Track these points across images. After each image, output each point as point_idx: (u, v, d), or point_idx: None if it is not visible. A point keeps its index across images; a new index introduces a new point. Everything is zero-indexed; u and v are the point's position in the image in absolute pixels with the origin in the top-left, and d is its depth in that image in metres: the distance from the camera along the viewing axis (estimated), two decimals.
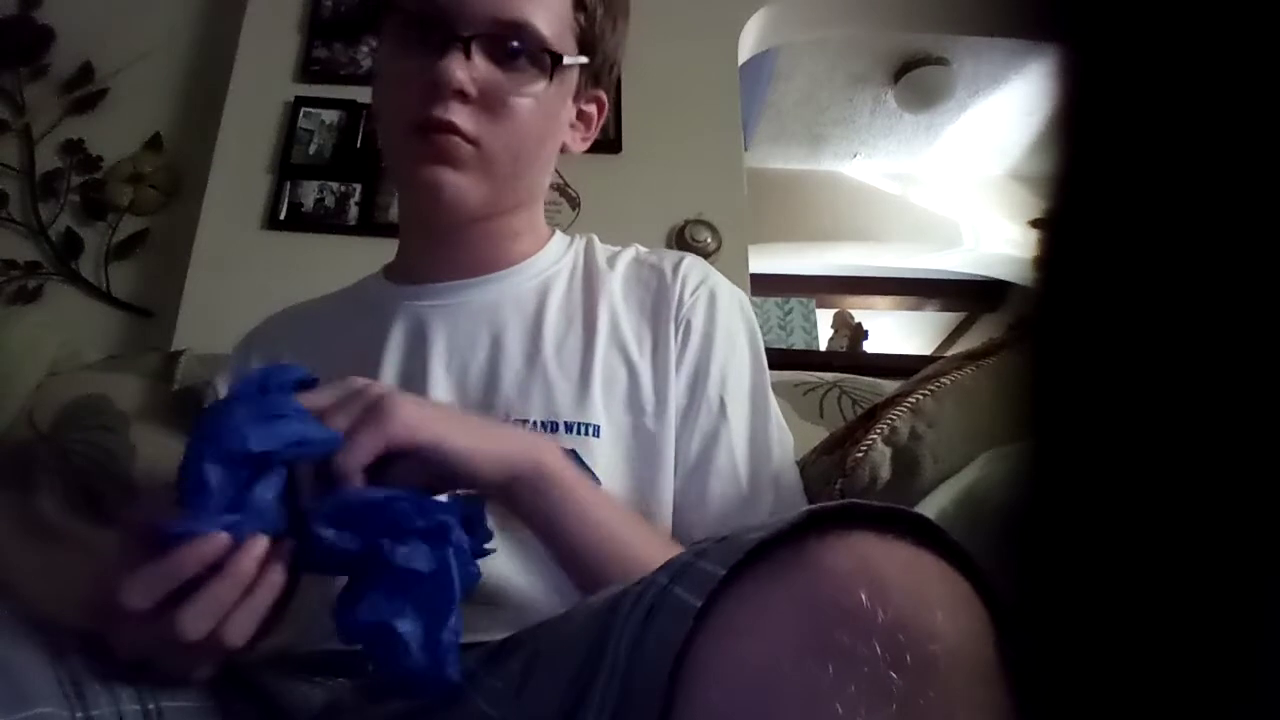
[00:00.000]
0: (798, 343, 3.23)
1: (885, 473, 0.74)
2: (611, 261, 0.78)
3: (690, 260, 0.77)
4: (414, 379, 0.69)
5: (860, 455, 0.75)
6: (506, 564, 0.62)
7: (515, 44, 0.68)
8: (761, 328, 0.79)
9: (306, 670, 0.57)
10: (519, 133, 0.69)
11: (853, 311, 3.92)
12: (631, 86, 1.78)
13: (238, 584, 0.44)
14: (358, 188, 1.66)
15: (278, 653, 0.61)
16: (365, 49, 1.78)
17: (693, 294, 0.74)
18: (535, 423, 0.66)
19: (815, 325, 3.33)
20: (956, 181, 3.57)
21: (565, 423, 0.66)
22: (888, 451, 0.75)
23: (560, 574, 0.59)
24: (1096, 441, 0.23)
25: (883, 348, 4.25)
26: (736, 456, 0.69)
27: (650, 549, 0.57)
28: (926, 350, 4.77)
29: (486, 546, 0.51)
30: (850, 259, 3.66)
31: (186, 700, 0.47)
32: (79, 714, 0.41)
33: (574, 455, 0.59)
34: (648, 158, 1.73)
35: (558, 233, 0.82)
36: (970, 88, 3.09)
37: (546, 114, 0.71)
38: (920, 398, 0.77)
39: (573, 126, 0.78)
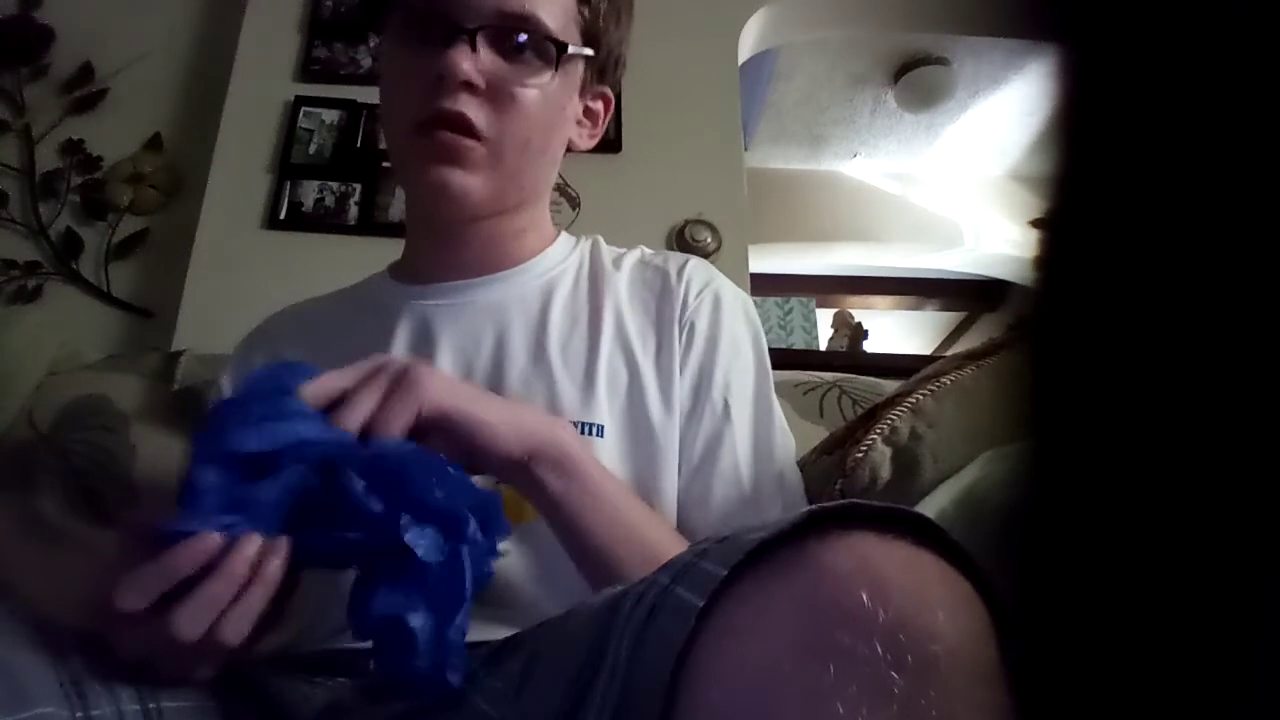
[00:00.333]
0: (798, 343, 3.22)
1: (885, 473, 0.74)
2: (617, 263, 0.78)
3: (695, 263, 0.78)
4: None
5: (860, 455, 0.75)
6: (514, 564, 0.62)
7: (520, 35, 0.68)
8: (764, 333, 0.79)
9: (307, 670, 0.57)
10: (526, 124, 0.69)
11: (853, 311, 3.92)
12: (631, 86, 1.77)
13: (231, 583, 0.44)
14: (358, 188, 1.66)
15: (279, 653, 0.61)
16: (365, 49, 1.78)
17: (697, 296, 0.74)
18: None
19: (815, 325, 3.32)
20: (956, 181, 3.57)
21: (569, 422, 0.66)
22: (888, 451, 0.75)
23: (566, 574, 0.59)
24: (1096, 441, 0.24)
25: (883, 348, 4.25)
26: (740, 459, 0.69)
27: (658, 535, 0.58)
28: (926, 350, 4.77)
29: (500, 547, 0.51)
30: (850, 259, 3.66)
31: (187, 700, 0.47)
32: (79, 714, 0.41)
33: None
34: (648, 158, 1.73)
35: (563, 233, 0.82)
36: (970, 88, 3.09)
37: (553, 106, 0.71)
38: (920, 398, 0.77)
39: (579, 123, 0.78)
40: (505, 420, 0.54)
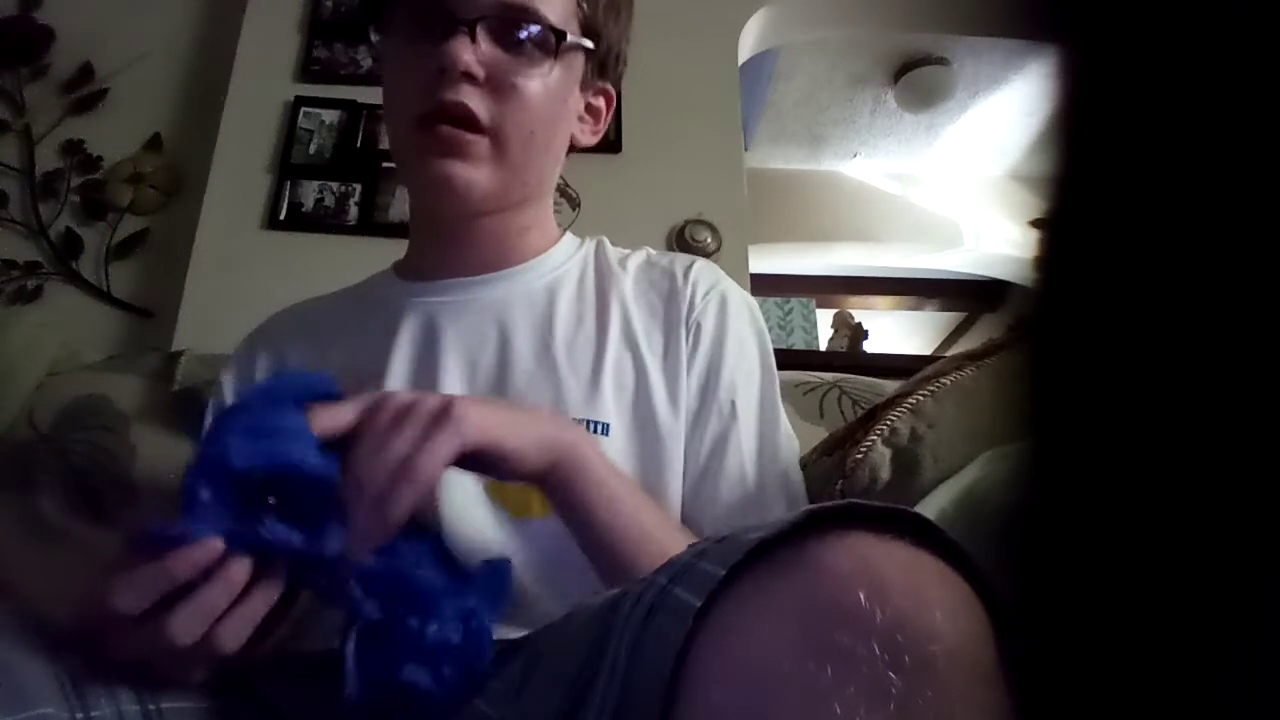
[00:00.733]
0: (798, 343, 3.22)
1: (885, 473, 0.74)
2: (623, 263, 0.79)
3: (702, 264, 0.78)
4: (425, 376, 0.69)
5: (860, 456, 0.75)
6: (515, 563, 0.62)
7: (520, 26, 0.68)
8: (766, 329, 0.79)
9: (307, 670, 0.57)
10: (529, 115, 0.69)
11: (853, 311, 3.92)
12: (631, 86, 1.76)
13: (228, 591, 0.44)
14: (358, 188, 1.66)
15: (278, 653, 0.61)
16: (365, 49, 1.78)
17: (704, 298, 0.74)
18: None
19: (815, 325, 3.32)
20: (956, 181, 3.57)
21: (575, 420, 0.66)
22: (888, 452, 0.75)
23: (567, 572, 0.59)
24: (1096, 442, 0.23)
25: (883, 348, 4.25)
26: (745, 460, 0.69)
27: (668, 534, 0.59)
28: (926, 350, 4.77)
29: (500, 547, 0.52)
30: (850, 259, 3.66)
31: (186, 701, 0.47)
32: (78, 714, 0.41)
33: None
34: (648, 158, 1.73)
35: (568, 233, 0.82)
36: (970, 88, 3.09)
37: (555, 97, 0.72)
38: (920, 398, 0.77)
39: (581, 119, 0.78)
40: (530, 440, 0.54)
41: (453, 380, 0.69)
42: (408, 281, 0.78)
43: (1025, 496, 0.26)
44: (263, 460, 0.46)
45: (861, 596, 0.30)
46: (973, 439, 0.72)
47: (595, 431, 0.66)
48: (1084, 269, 0.24)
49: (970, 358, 0.79)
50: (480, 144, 0.68)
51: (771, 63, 2.78)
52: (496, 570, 0.51)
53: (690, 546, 0.38)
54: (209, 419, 0.76)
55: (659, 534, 0.58)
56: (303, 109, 1.72)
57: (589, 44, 0.73)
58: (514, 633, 0.51)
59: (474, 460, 0.51)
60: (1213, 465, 0.21)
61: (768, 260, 3.50)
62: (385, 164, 1.65)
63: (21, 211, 1.72)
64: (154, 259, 1.71)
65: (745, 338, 0.74)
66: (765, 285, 3.34)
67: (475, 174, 0.68)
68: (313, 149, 1.70)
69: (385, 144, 1.63)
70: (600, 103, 0.80)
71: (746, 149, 2.38)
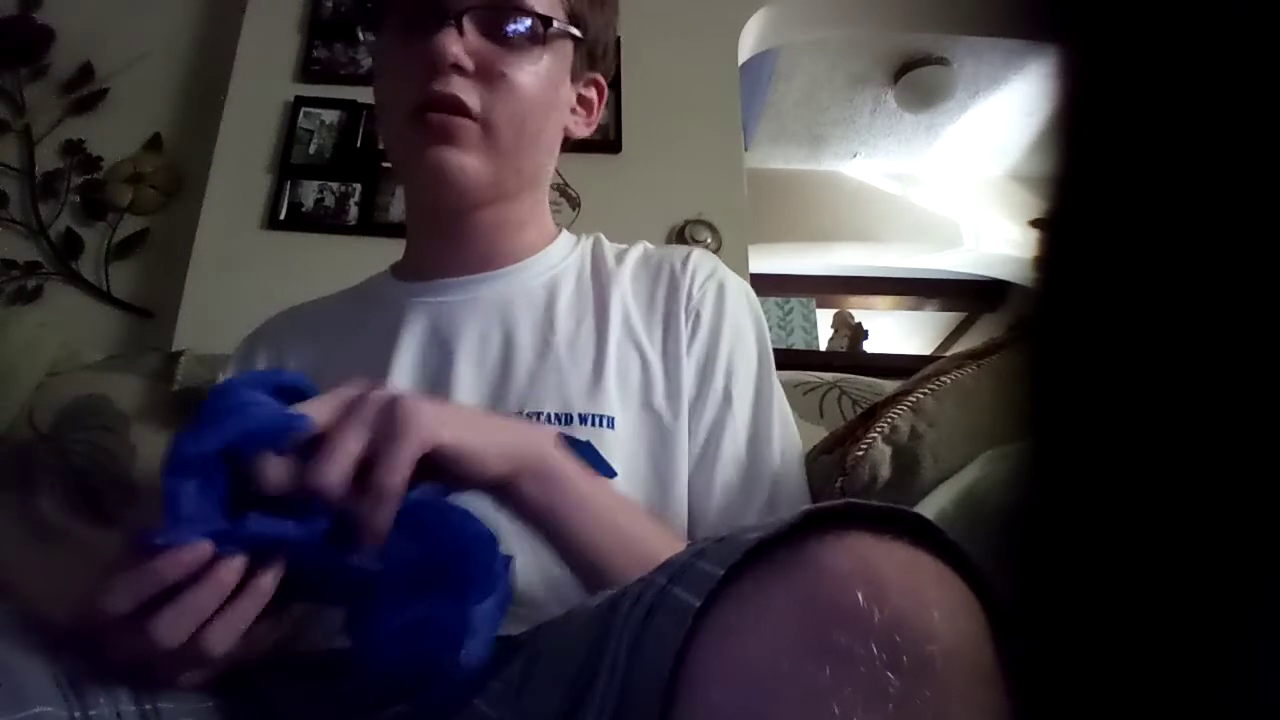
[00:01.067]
0: (798, 343, 3.22)
1: (885, 471, 0.74)
2: (620, 258, 0.79)
3: (699, 254, 0.78)
4: (436, 377, 0.69)
5: (860, 454, 0.75)
6: (522, 566, 0.62)
7: (505, 15, 0.69)
8: (764, 317, 0.79)
9: (306, 671, 0.57)
10: (519, 103, 0.70)
11: (853, 311, 3.92)
12: (631, 86, 1.78)
13: (216, 593, 0.43)
14: (358, 188, 1.66)
15: (277, 654, 0.61)
16: (365, 49, 1.78)
17: (701, 286, 0.75)
18: (550, 415, 0.66)
19: (815, 325, 3.32)
20: (956, 181, 3.57)
21: (580, 414, 0.66)
22: (888, 450, 0.75)
23: (561, 576, 0.59)
24: (1096, 442, 0.23)
25: (883, 348, 4.25)
26: (740, 446, 0.69)
27: (653, 541, 0.57)
28: (926, 350, 4.77)
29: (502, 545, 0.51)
30: (850, 259, 3.66)
31: (184, 700, 0.47)
32: (76, 713, 0.41)
33: (589, 447, 0.59)
34: (648, 158, 1.73)
35: (564, 231, 0.82)
36: (970, 88, 3.09)
37: (545, 85, 0.72)
38: (920, 397, 0.77)
39: (574, 111, 0.79)
40: (491, 443, 0.52)
41: (464, 381, 0.69)
42: (407, 283, 0.78)
43: (1025, 496, 0.26)
44: (235, 433, 0.45)
45: (860, 596, 0.30)
46: (973, 438, 0.72)
47: (600, 425, 0.66)
48: (1084, 269, 0.24)
49: (970, 357, 0.80)
50: (471, 129, 0.68)
51: (771, 63, 2.78)
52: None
53: (689, 546, 0.38)
54: None
55: (641, 540, 0.56)
56: (303, 109, 1.72)
57: (576, 32, 0.74)
58: (514, 630, 0.51)
59: (429, 468, 0.48)
60: (1213, 465, 0.21)
61: (768, 260, 3.50)
62: (385, 164, 1.65)
63: (21, 211, 1.72)
64: (154, 259, 1.71)
65: (742, 325, 0.75)
66: (765, 285, 3.33)
67: (467, 160, 0.69)
68: (313, 149, 1.70)
69: (382, 141, 1.63)
70: (592, 94, 0.80)
71: (746, 149, 2.38)
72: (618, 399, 0.68)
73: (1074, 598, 0.24)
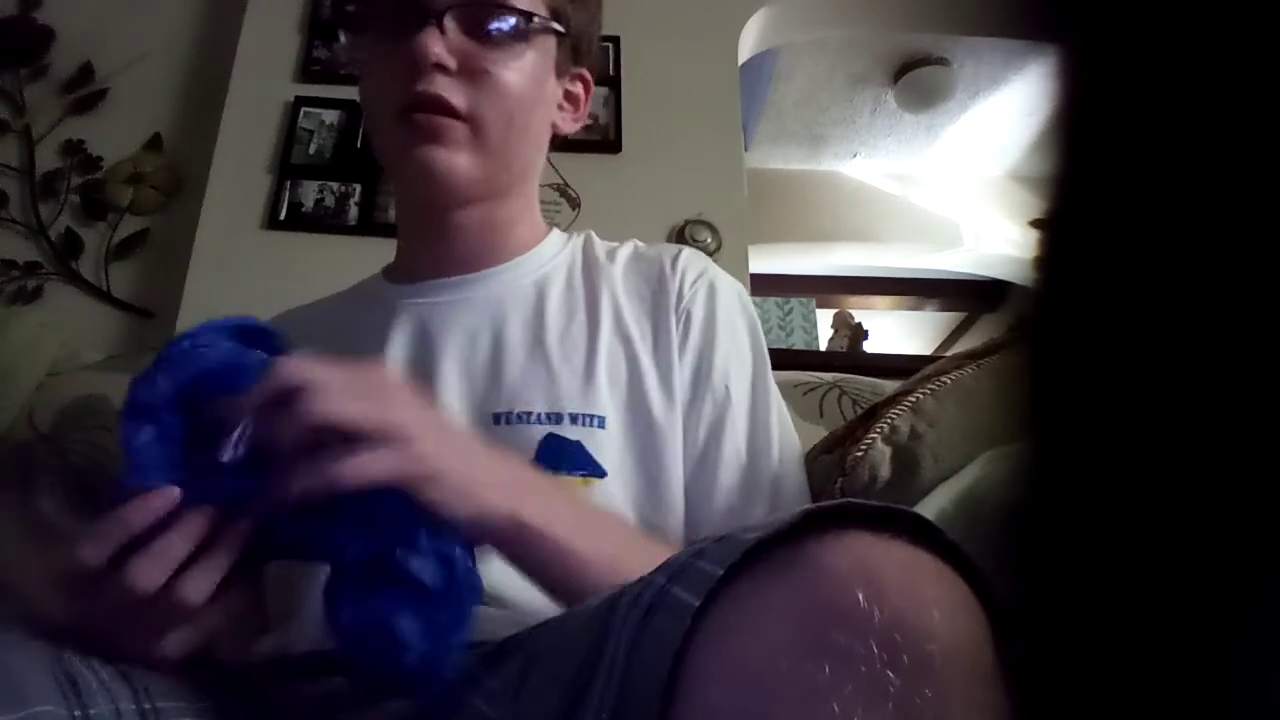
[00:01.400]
0: (798, 343, 3.22)
1: (885, 471, 0.74)
2: (611, 256, 0.79)
3: (689, 253, 0.78)
4: (420, 379, 0.69)
5: (860, 454, 0.75)
6: (505, 565, 0.62)
7: (487, 13, 0.69)
8: (761, 328, 0.79)
9: (304, 671, 0.57)
10: (505, 100, 0.70)
11: (853, 311, 3.92)
12: (631, 86, 1.78)
13: (188, 537, 0.43)
14: (358, 188, 1.66)
15: (275, 653, 0.61)
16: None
17: (692, 286, 0.74)
18: (540, 414, 0.66)
19: (815, 325, 3.32)
20: (956, 181, 3.57)
21: (570, 414, 0.66)
22: (887, 450, 0.75)
23: None
24: (1096, 442, 0.23)
25: (883, 348, 4.25)
26: (740, 446, 0.69)
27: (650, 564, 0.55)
28: (926, 350, 4.77)
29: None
30: (850, 259, 3.66)
31: (183, 700, 0.47)
32: (76, 712, 0.41)
33: (579, 447, 0.58)
34: (648, 158, 1.73)
35: (554, 230, 0.82)
36: (970, 88, 3.09)
37: (530, 81, 0.72)
38: (920, 397, 0.77)
39: (561, 107, 0.78)
40: (467, 501, 0.48)
41: (449, 382, 0.69)
42: (398, 284, 0.78)
43: (1025, 496, 0.26)
44: (189, 376, 0.44)
45: (860, 596, 0.30)
46: (973, 438, 0.72)
47: (590, 425, 0.66)
48: (1084, 269, 0.24)
49: (970, 357, 0.80)
50: (459, 128, 0.68)
51: (771, 63, 2.78)
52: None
53: (688, 546, 0.38)
54: None
55: (633, 568, 0.54)
56: (303, 109, 1.72)
57: (558, 27, 0.74)
58: (506, 633, 0.51)
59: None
60: (1213, 465, 0.21)
61: (768, 260, 3.50)
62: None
63: (21, 211, 1.72)
64: (154, 259, 1.71)
65: (736, 325, 0.75)
66: (765, 285, 3.34)
67: (456, 159, 0.69)
68: (313, 149, 1.70)
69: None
70: (578, 89, 0.80)
71: (746, 149, 2.38)
72: (608, 398, 0.68)
73: (1074, 597, 0.24)
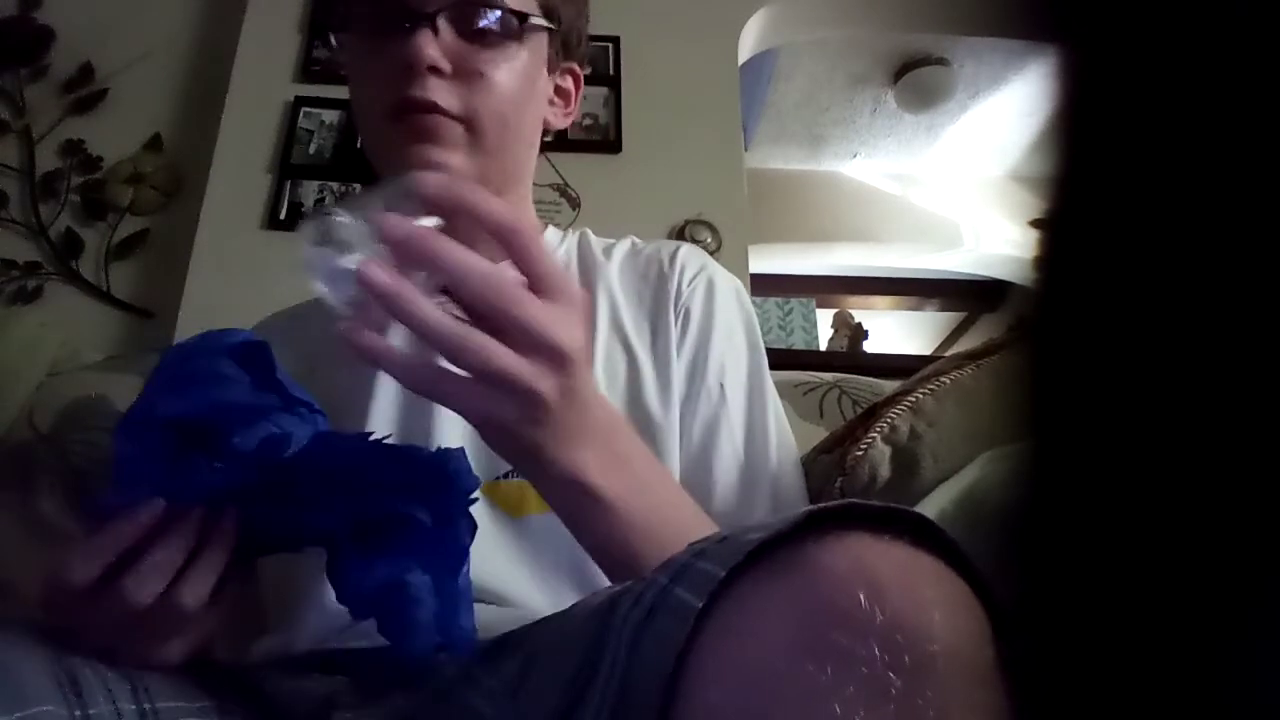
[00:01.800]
0: (798, 343, 3.22)
1: (885, 471, 0.74)
2: (607, 253, 0.78)
3: (687, 249, 0.78)
4: None
5: (860, 454, 0.75)
6: (509, 559, 0.62)
7: (480, 13, 0.68)
8: (761, 328, 0.79)
9: (304, 670, 0.57)
10: (499, 100, 0.69)
11: (853, 311, 3.91)
12: (631, 86, 1.78)
13: (179, 547, 0.43)
14: (358, 188, 1.66)
15: (275, 653, 0.61)
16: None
17: (690, 283, 0.74)
18: None
19: (815, 325, 3.32)
20: (956, 182, 3.57)
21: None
22: (887, 450, 0.75)
23: (561, 569, 0.59)
24: (1096, 442, 0.23)
25: (883, 348, 4.25)
26: (737, 444, 0.69)
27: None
28: (926, 350, 4.77)
29: (497, 544, 0.50)
30: (850, 259, 3.66)
31: (183, 700, 0.47)
32: (76, 712, 0.41)
33: None
34: (648, 158, 1.73)
35: (550, 227, 0.82)
36: (970, 88, 3.09)
37: (523, 80, 0.71)
38: (920, 397, 0.77)
39: (552, 102, 0.78)
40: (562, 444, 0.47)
41: None
42: None
43: (1025, 497, 0.26)
44: (189, 407, 0.44)
45: (860, 597, 0.30)
46: (973, 438, 0.72)
47: None
48: (1084, 269, 0.24)
49: (970, 357, 0.80)
50: (454, 128, 0.67)
51: (771, 63, 2.78)
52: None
53: (689, 546, 0.38)
54: None
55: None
56: (303, 109, 1.72)
57: (550, 25, 0.73)
58: (504, 630, 0.51)
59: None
60: (1213, 465, 0.21)
61: (768, 260, 3.50)
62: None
63: (21, 211, 1.72)
64: (154, 259, 1.71)
65: (733, 322, 0.74)
66: (765, 285, 3.34)
67: (453, 159, 0.68)
68: (313, 149, 1.70)
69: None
70: (569, 84, 0.80)
71: (746, 149, 2.38)
72: (606, 397, 0.67)
73: (1074, 598, 0.24)
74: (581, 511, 0.50)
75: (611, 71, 1.79)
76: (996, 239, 3.45)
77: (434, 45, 0.65)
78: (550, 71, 0.76)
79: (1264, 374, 0.20)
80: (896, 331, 4.63)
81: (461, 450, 0.47)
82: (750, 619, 0.32)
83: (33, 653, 0.42)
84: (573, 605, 0.45)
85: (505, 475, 0.65)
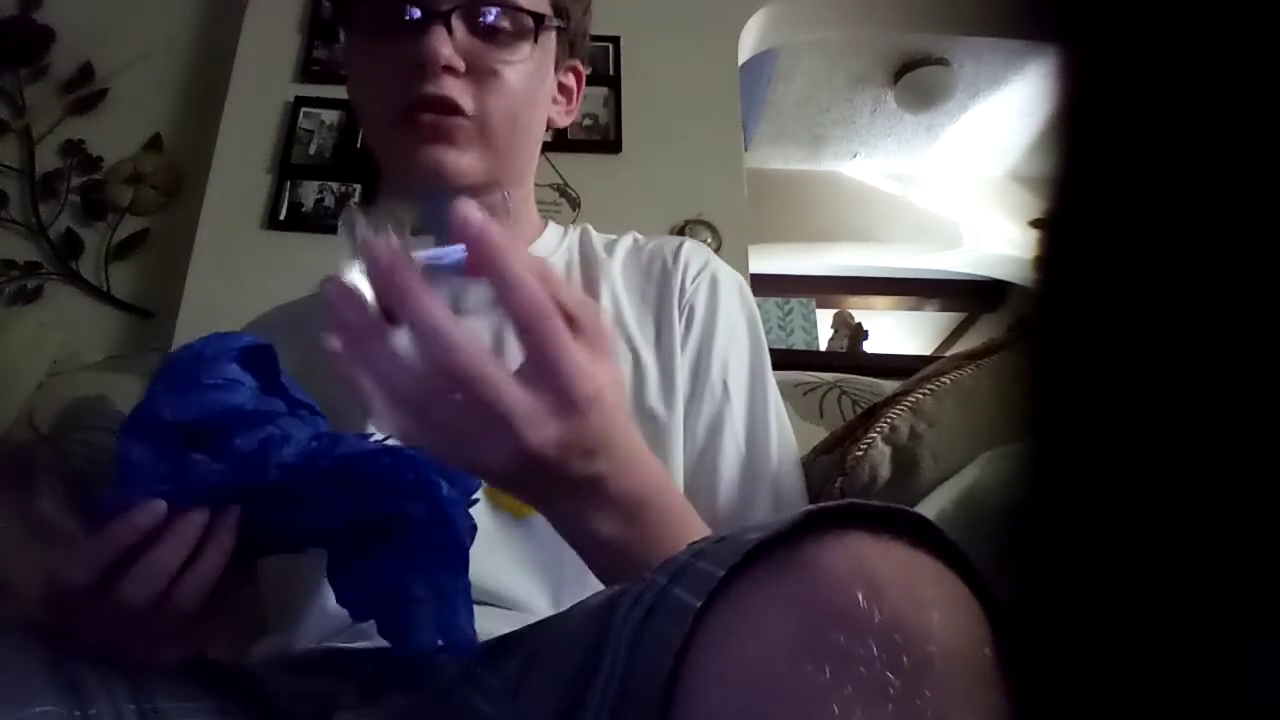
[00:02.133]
0: (798, 343, 3.22)
1: (885, 471, 0.74)
2: (609, 249, 0.78)
3: (690, 245, 0.78)
4: None
5: (860, 454, 0.74)
6: (509, 559, 0.62)
7: (494, 12, 0.68)
8: (762, 324, 0.79)
9: (304, 670, 0.57)
10: (512, 99, 0.69)
11: (853, 311, 3.91)
12: (631, 86, 1.78)
13: (178, 548, 0.43)
14: (358, 188, 1.67)
15: (276, 653, 0.61)
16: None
17: (694, 280, 0.74)
18: None
19: (815, 325, 3.32)
20: (956, 182, 3.57)
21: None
22: (887, 450, 0.75)
23: (561, 569, 0.59)
24: (1096, 442, 0.23)
25: (883, 348, 4.25)
26: (740, 442, 0.69)
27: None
28: (926, 350, 4.77)
29: (496, 543, 0.51)
30: (850, 259, 3.66)
31: (184, 700, 0.47)
32: (77, 713, 0.41)
33: None
34: (648, 158, 1.73)
35: (551, 224, 0.81)
36: (970, 88, 3.09)
37: (534, 79, 0.71)
38: (920, 397, 0.76)
39: (555, 100, 0.78)
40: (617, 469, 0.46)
41: None
42: None
43: (1025, 497, 0.26)
44: (195, 411, 0.45)
45: (859, 597, 0.30)
46: (973, 438, 0.72)
47: None
48: (1084, 269, 0.24)
49: (970, 357, 0.79)
50: (467, 127, 0.67)
51: (771, 63, 2.78)
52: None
53: (688, 545, 0.38)
54: None
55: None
56: (303, 109, 1.72)
57: (560, 23, 0.73)
58: (504, 629, 0.51)
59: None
60: (1213, 465, 0.21)
61: (768, 260, 3.50)
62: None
63: (21, 211, 1.72)
64: (154, 259, 1.71)
65: (735, 319, 0.74)
66: (765, 285, 3.34)
67: (464, 159, 0.68)
68: (313, 149, 1.70)
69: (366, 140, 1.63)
70: (571, 81, 0.80)
71: (746, 149, 2.38)
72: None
73: (1074, 598, 0.24)
74: (585, 555, 0.50)
75: (611, 71, 1.79)
76: (996, 239, 3.45)
77: (448, 43, 0.65)
78: (555, 69, 0.76)
79: (1263, 374, 0.20)
80: (896, 331, 4.63)
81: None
82: (749, 619, 0.32)
83: (33, 653, 0.42)
84: (573, 605, 0.45)
85: None
